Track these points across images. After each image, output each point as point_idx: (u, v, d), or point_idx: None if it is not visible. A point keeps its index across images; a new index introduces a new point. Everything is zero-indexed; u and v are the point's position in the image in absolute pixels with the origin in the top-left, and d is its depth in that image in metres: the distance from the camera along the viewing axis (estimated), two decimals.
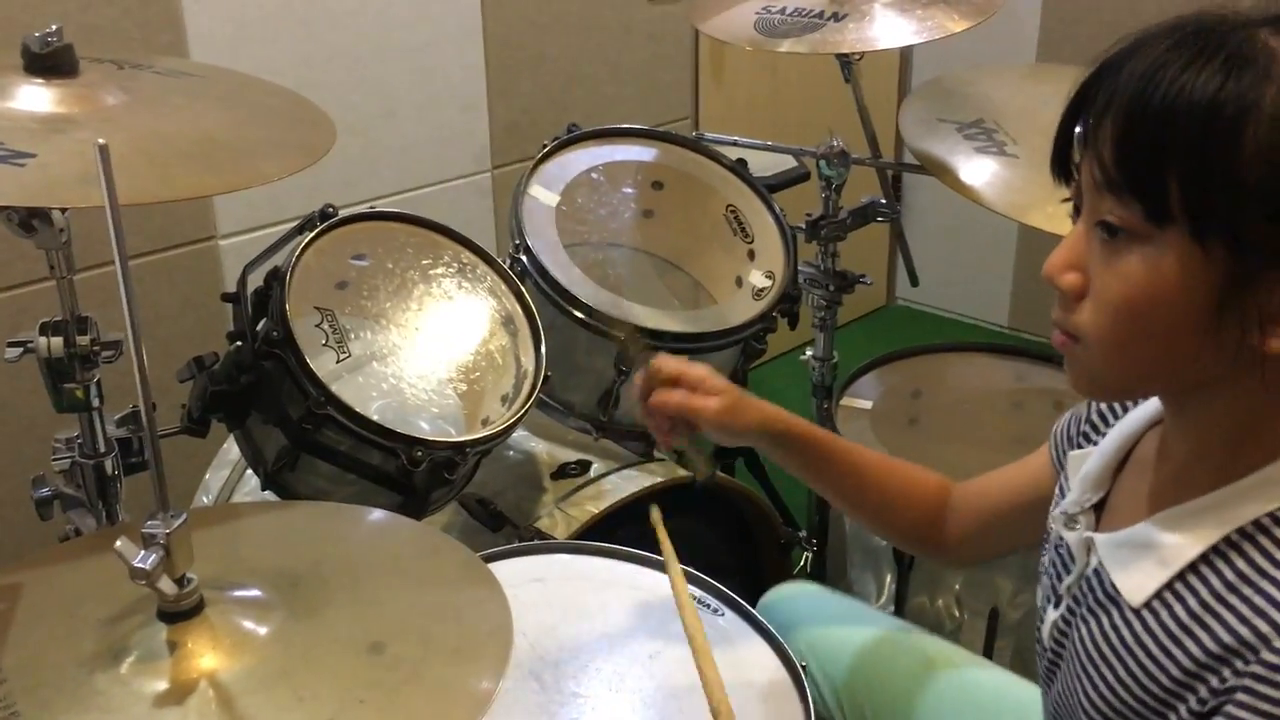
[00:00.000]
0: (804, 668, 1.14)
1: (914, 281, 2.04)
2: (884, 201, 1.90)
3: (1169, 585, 0.78)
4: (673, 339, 1.56)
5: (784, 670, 1.16)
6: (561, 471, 1.64)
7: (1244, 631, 0.72)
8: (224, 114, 1.19)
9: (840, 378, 1.91)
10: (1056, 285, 0.78)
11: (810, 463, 1.18)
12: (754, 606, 1.25)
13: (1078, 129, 0.76)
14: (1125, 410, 0.93)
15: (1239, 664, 0.72)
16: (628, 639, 1.19)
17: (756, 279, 1.67)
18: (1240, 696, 0.72)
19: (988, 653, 1.53)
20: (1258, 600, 0.72)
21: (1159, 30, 0.73)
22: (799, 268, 1.71)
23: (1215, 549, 0.76)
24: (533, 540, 1.45)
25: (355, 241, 1.47)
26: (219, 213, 2.03)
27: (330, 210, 1.42)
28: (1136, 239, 0.73)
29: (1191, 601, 0.76)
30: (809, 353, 1.98)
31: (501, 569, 1.28)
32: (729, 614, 1.24)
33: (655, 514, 1.25)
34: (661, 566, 1.28)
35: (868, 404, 1.79)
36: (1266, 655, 0.71)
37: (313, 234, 1.39)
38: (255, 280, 1.40)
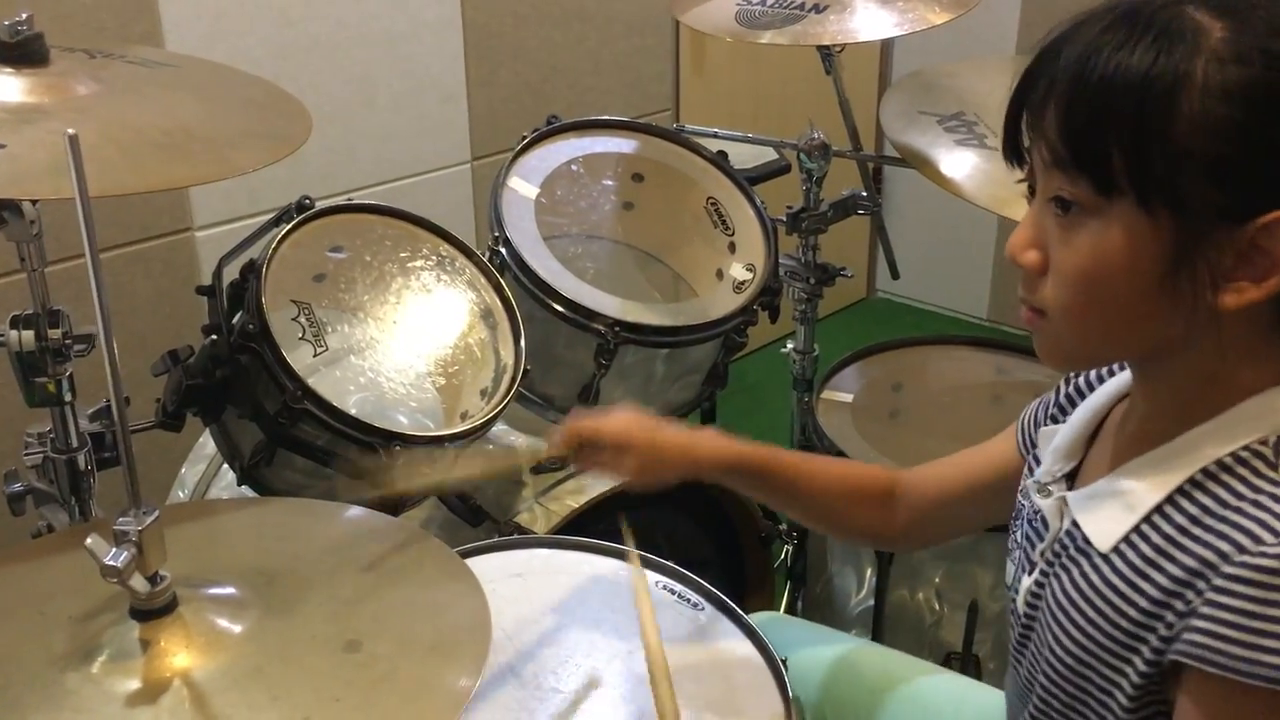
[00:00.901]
0: (784, 661, 1.14)
1: (894, 274, 2.04)
2: (865, 194, 1.90)
3: (1136, 528, 0.81)
4: (653, 332, 1.55)
5: (764, 664, 1.16)
6: (541, 466, 1.63)
7: (1207, 554, 0.75)
8: (198, 104, 1.17)
9: (821, 370, 1.90)
10: (1019, 264, 0.81)
11: (749, 486, 1.21)
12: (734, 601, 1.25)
13: (1024, 114, 0.79)
14: (1092, 389, 0.95)
15: (1200, 584, 0.75)
16: (607, 634, 1.18)
17: (737, 271, 1.67)
18: (1204, 610, 0.74)
19: (967, 645, 1.53)
20: (1220, 527, 0.75)
21: (1092, 14, 0.77)
22: (780, 260, 1.71)
23: (1179, 490, 0.79)
24: (512, 535, 1.44)
25: (332, 234, 1.45)
26: (195, 204, 2.01)
27: (307, 202, 1.40)
28: (1088, 212, 0.76)
29: (1156, 538, 0.79)
30: (789, 346, 1.98)
31: (480, 564, 1.27)
32: (709, 608, 1.24)
33: (624, 528, 1.25)
34: (641, 562, 1.28)
35: (848, 397, 1.79)
36: (1226, 568, 0.73)
37: (289, 226, 1.38)
38: (231, 273, 1.38)
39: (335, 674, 0.82)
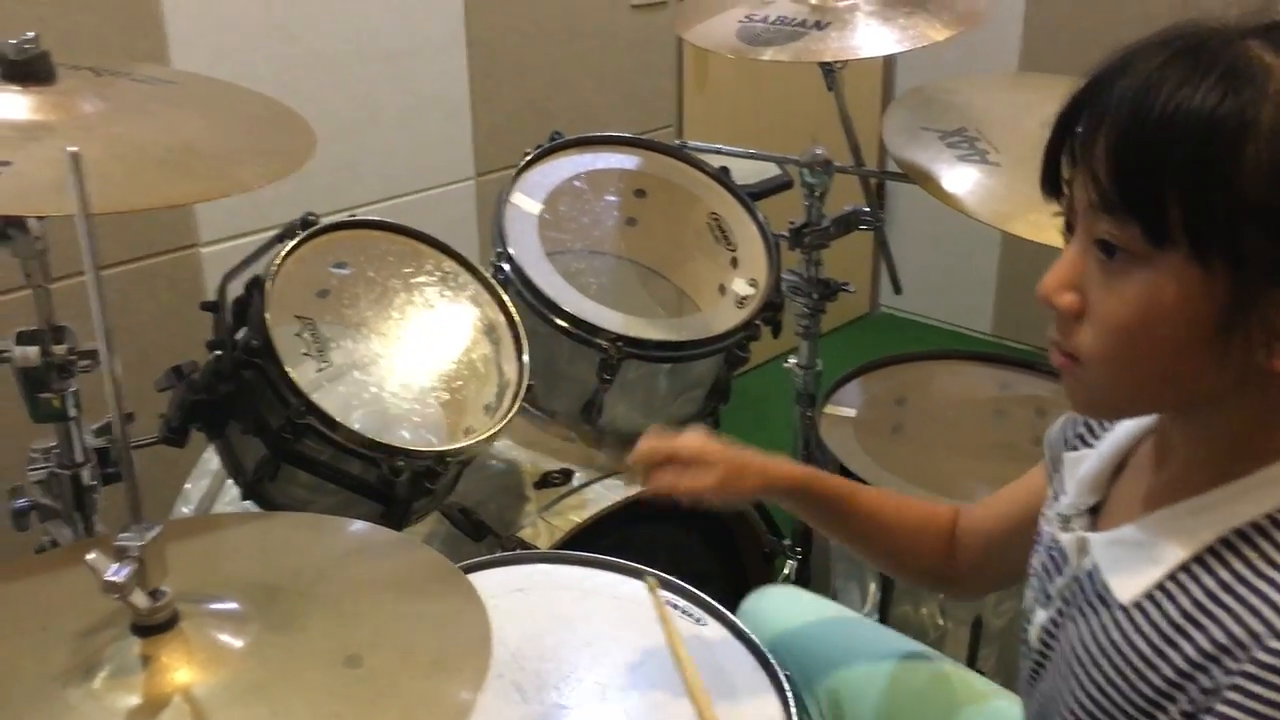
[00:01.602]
0: (788, 677, 1.14)
1: (897, 289, 2.04)
2: (867, 209, 1.90)
3: (1160, 584, 0.77)
4: (655, 347, 1.56)
5: (767, 679, 1.16)
6: (545, 481, 1.63)
7: (1237, 630, 0.72)
8: (202, 121, 1.18)
9: (824, 385, 1.90)
10: (1054, 306, 0.77)
11: (819, 514, 1.17)
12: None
13: (1067, 145, 0.75)
14: None
15: (1229, 662, 0.72)
16: (610, 648, 1.18)
17: (739, 287, 1.67)
18: (1230, 695, 0.71)
19: (971, 662, 1.52)
20: (1253, 600, 0.72)
21: (1150, 44, 0.72)
22: (782, 276, 1.71)
23: (1210, 549, 0.75)
24: (515, 550, 1.44)
25: (336, 250, 1.46)
26: (200, 220, 2.02)
27: (311, 218, 1.41)
28: (1136, 260, 0.72)
29: (1184, 601, 0.76)
30: (792, 361, 1.98)
31: (483, 579, 1.27)
32: (711, 623, 1.24)
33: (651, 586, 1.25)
34: (641, 575, 1.28)
35: (851, 412, 1.78)
36: (1258, 654, 0.70)
37: (293, 242, 1.38)
38: (235, 289, 1.39)
39: (336, 689, 0.82)
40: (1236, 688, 0.71)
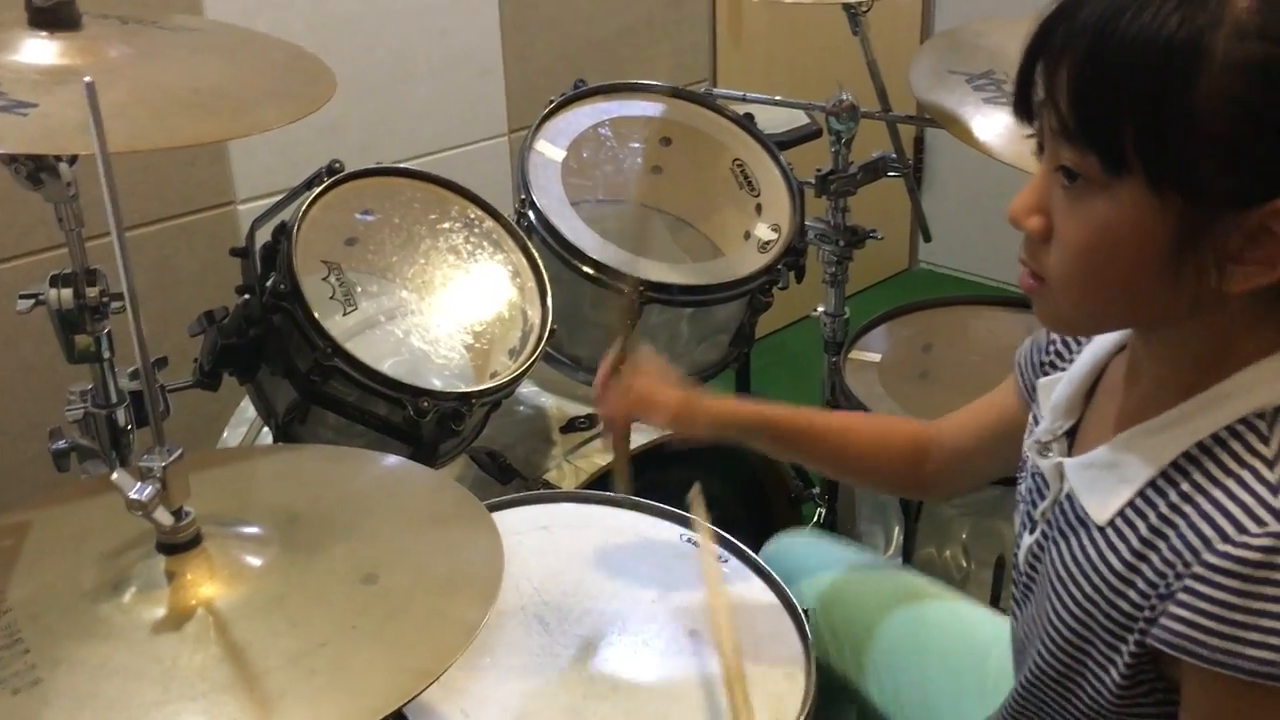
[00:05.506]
0: (806, 613, 1.15)
1: (926, 237, 2.03)
2: (895, 156, 1.89)
3: (1131, 503, 0.79)
4: (679, 291, 1.57)
5: (786, 615, 1.17)
6: (570, 425, 1.65)
7: (1191, 537, 0.74)
8: (226, 66, 1.20)
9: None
10: (1021, 227, 0.79)
11: (780, 447, 1.24)
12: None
13: (1039, 68, 0.76)
14: (1090, 338, 0.93)
15: (1181, 568, 0.74)
16: (631, 584, 1.20)
17: (762, 231, 1.67)
18: (1180, 597, 0.73)
19: (995, 601, 1.52)
20: (1206, 507, 0.74)
21: None
22: (809, 223, 1.71)
23: (1174, 465, 0.77)
24: (539, 490, 1.47)
25: (362, 197, 1.48)
26: (237, 177, 2.05)
27: (337, 166, 1.43)
28: (1095, 185, 0.73)
29: (1152, 517, 0.78)
30: (820, 309, 1.98)
31: (508, 517, 1.30)
32: (733, 561, 1.25)
33: (695, 493, 1.28)
34: (666, 515, 1.30)
35: (876, 357, 1.78)
36: (1206, 556, 0.72)
37: (319, 189, 1.41)
38: (264, 236, 1.42)
39: (352, 604, 0.85)
40: (1186, 589, 0.73)
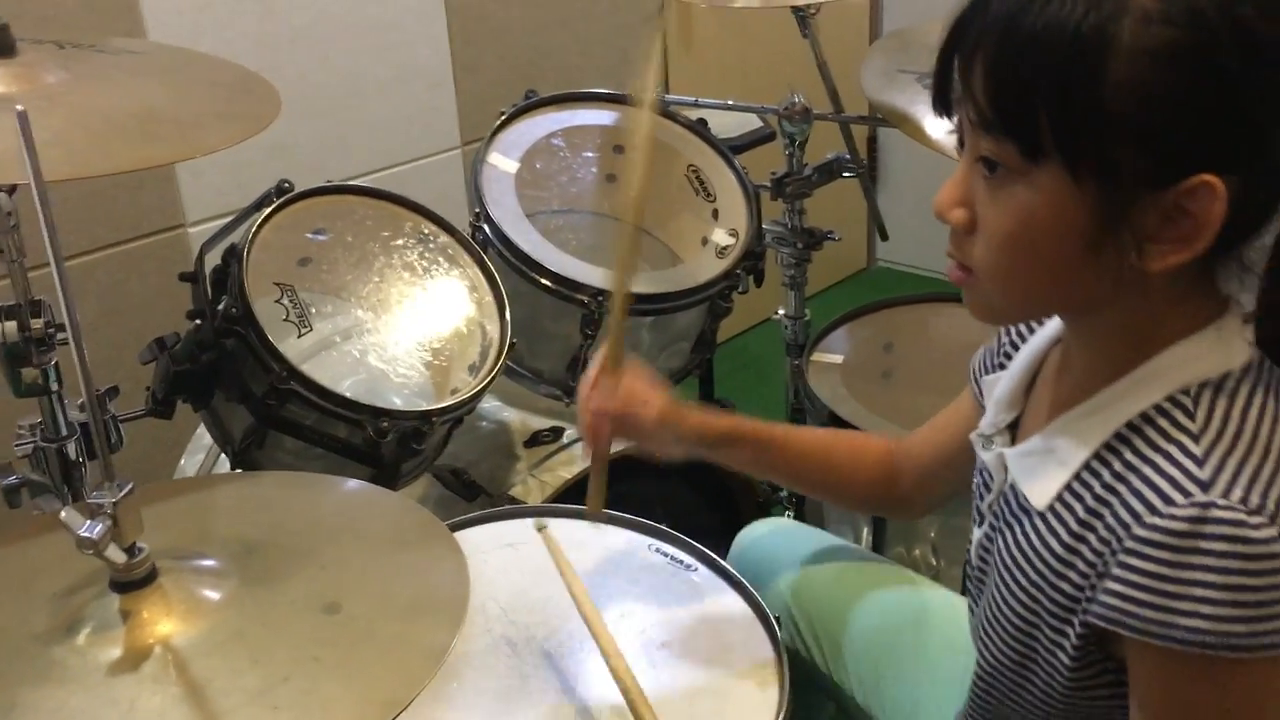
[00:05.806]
0: (778, 619, 1.15)
1: (884, 236, 2.03)
2: (849, 157, 1.89)
3: (1068, 486, 0.81)
4: (640, 300, 1.56)
5: (758, 624, 1.17)
6: (534, 439, 1.64)
7: (1124, 514, 0.75)
8: (168, 89, 1.18)
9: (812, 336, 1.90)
10: (946, 221, 0.81)
11: (749, 461, 1.22)
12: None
13: (955, 63, 0.77)
14: (1032, 333, 0.95)
15: (1115, 544, 0.75)
16: (599, 600, 1.19)
17: (720, 237, 1.67)
18: (1115, 572, 0.75)
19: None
20: (1136, 483, 0.75)
21: None
22: (766, 227, 1.71)
23: (1106, 445, 0.79)
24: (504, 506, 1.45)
25: (313, 216, 1.46)
26: (186, 200, 2.02)
27: (286, 185, 1.41)
28: (1014, 175, 0.75)
29: (1088, 498, 0.79)
30: (780, 312, 1.98)
31: (473, 535, 1.28)
32: (702, 569, 1.25)
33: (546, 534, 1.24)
34: (634, 526, 1.29)
35: (839, 359, 1.79)
36: (1137, 530, 0.74)
37: (269, 210, 1.39)
38: (214, 259, 1.39)
39: (315, 635, 0.83)
40: (1120, 564, 0.74)
